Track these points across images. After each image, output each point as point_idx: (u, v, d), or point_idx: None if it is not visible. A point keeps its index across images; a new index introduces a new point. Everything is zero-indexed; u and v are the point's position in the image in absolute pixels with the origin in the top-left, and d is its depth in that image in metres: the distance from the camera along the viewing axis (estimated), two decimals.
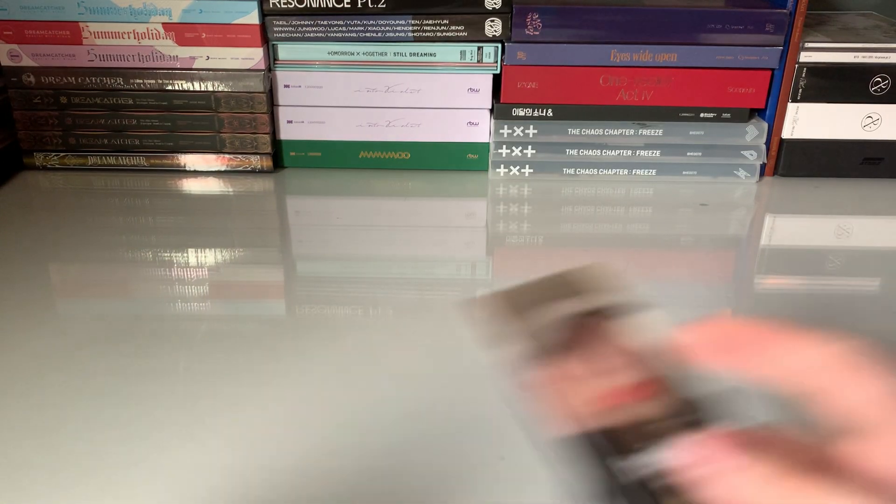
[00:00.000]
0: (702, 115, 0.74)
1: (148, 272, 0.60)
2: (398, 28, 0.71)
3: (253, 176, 0.76)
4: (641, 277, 0.60)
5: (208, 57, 0.72)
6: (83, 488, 0.40)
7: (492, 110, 0.75)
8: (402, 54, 0.72)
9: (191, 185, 0.74)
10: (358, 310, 0.55)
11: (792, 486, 0.21)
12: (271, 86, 0.74)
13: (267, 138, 0.75)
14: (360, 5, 0.70)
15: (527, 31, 0.71)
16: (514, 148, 0.75)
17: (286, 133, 0.76)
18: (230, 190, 0.74)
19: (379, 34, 0.71)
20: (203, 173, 0.76)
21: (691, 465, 0.23)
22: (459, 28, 0.71)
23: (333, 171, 0.77)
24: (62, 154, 0.75)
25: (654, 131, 0.74)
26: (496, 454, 0.42)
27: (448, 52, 0.72)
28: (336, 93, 0.74)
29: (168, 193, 0.73)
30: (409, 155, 0.76)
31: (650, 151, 0.75)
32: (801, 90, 0.73)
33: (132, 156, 0.75)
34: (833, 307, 0.57)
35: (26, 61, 0.72)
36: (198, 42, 0.71)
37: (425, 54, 0.72)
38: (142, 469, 0.41)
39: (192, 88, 0.73)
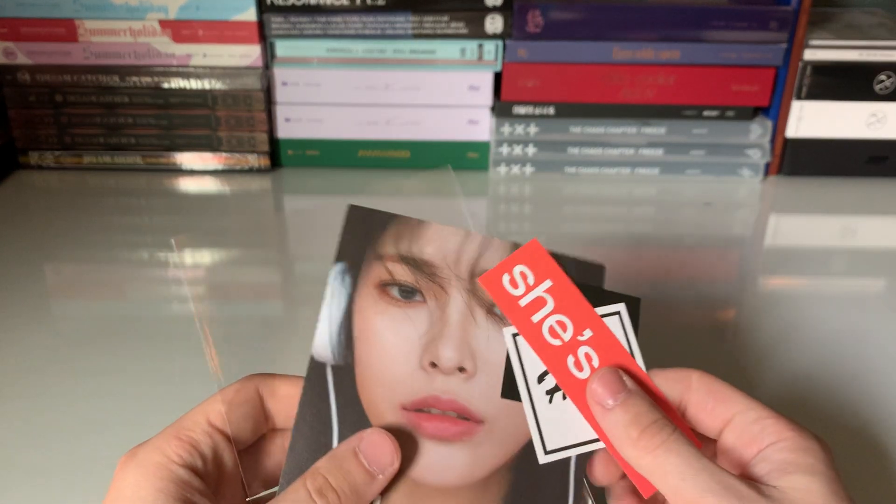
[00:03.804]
0: (705, 113, 0.74)
1: (144, 272, 0.60)
2: (397, 25, 0.70)
3: (250, 175, 0.75)
4: (645, 277, 0.60)
5: (205, 54, 0.71)
6: (79, 489, 0.40)
7: (492, 108, 0.74)
8: (401, 51, 0.72)
9: (187, 185, 0.74)
10: None
11: None
12: (269, 83, 0.73)
13: (264, 137, 0.74)
14: (358, 2, 0.69)
15: (528, 28, 0.70)
16: (514, 146, 0.74)
17: (284, 131, 0.75)
18: (227, 189, 0.73)
19: (378, 31, 0.71)
20: (200, 172, 0.75)
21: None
22: (459, 25, 0.70)
23: (332, 169, 0.76)
24: (58, 153, 0.74)
25: (656, 129, 0.74)
26: None
27: (448, 50, 0.72)
28: (334, 90, 0.73)
29: (164, 193, 0.72)
30: (409, 153, 0.75)
31: (653, 150, 0.74)
32: (805, 88, 0.72)
33: (128, 154, 0.74)
34: (837, 307, 0.56)
35: (22, 59, 0.72)
36: (194, 39, 0.71)
37: (425, 51, 0.72)
38: None
39: (188, 86, 0.72)
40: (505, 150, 0.74)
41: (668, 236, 0.67)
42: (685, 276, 0.60)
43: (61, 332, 0.52)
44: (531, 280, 0.32)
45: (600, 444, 0.31)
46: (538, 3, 0.69)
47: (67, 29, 0.70)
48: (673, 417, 0.30)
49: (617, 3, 0.70)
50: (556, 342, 0.32)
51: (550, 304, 0.32)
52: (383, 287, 0.32)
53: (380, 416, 0.31)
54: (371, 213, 0.34)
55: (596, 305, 0.32)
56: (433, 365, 0.32)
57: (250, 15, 0.70)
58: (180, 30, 0.70)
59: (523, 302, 0.32)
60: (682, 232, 0.67)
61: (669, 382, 0.31)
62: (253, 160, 0.74)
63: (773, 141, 0.74)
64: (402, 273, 0.32)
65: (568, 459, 0.31)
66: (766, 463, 0.28)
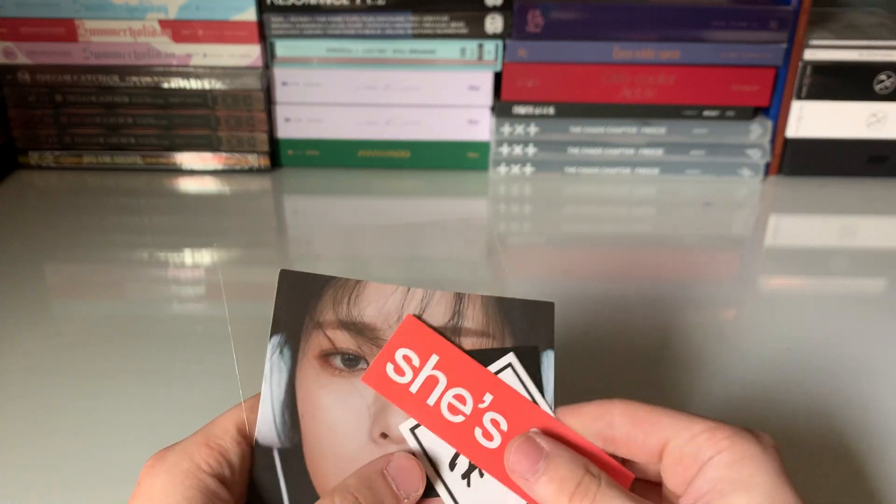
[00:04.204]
0: (705, 113, 0.74)
1: (144, 272, 0.60)
2: (397, 24, 0.70)
3: (250, 175, 0.75)
4: (645, 277, 0.60)
5: (205, 54, 0.71)
6: (78, 490, 0.40)
7: (492, 108, 0.74)
8: (401, 51, 0.72)
9: (187, 185, 0.74)
10: None
11: None
12: (269, 83, 0.73)
13: (264, 137, 0.74)
14: (358, 2, 0.69)
15: (528, 28, 0.70)
16: (514, 146, 0.74)
17: (284, 131, 0.75)
18: (227, 189, 0.73)
19: (378, 31, 0.70)
20: (199, 172, 0.75)
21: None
22: (459, 25, 0.70)
23: (332, 169, 0.76)
24: (58, 153, 0.74)
25: (656, 129, 0.74)
26: None
27: (448, 49, 0.72)
28: (334, 90, 0.73)
29: (164, 193, 0.72)
30: (409, 153, 0.75)
31: (653, 150, 0.74)
32: (805, 88, 0.72)
33: (128, 154, 0.74)
34: (838, 308, 0.56)
35: (21, 59, 0.72)
36: (194, 39, 0.71)
37: (425, 51, 0.72)
38: (137, 471, 0.40)
39: (188, 86, 0.72)
40: (505, 150, 0.74)
41: (668, 236, 0.67)
42: (685, 276, 0.60)
43: (61, 332, 0.52)
44: (416, 361, 0.30)
45: None
46: (538, 3, 0.69)
47: (67, 29, 0.70)
48: (592, 456, 0.30)
49: (617, 3, 0.70)
50: (459, 419, 0.30)
51: (443, 381, 0.30)
52: (325, 357, 0.30)
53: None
54: (305, 277, 0.31)
55: (487, 364, 0.31)
56: (384, 436, 0.30)
57: (250, 15, 0.70)
58: (180, 30, 0.70)
59: (414, 388, 0.30)
60: (682, 232, 0.67)
61: (587, 420, 0.30)
62: (253, 160, 0.74)
63: (773, 141, 0.74)
64: (344, 340, 0.31)
65: None
66: (705, 482, 0.28)
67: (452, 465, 0.30)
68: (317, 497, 0.29)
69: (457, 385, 0.30)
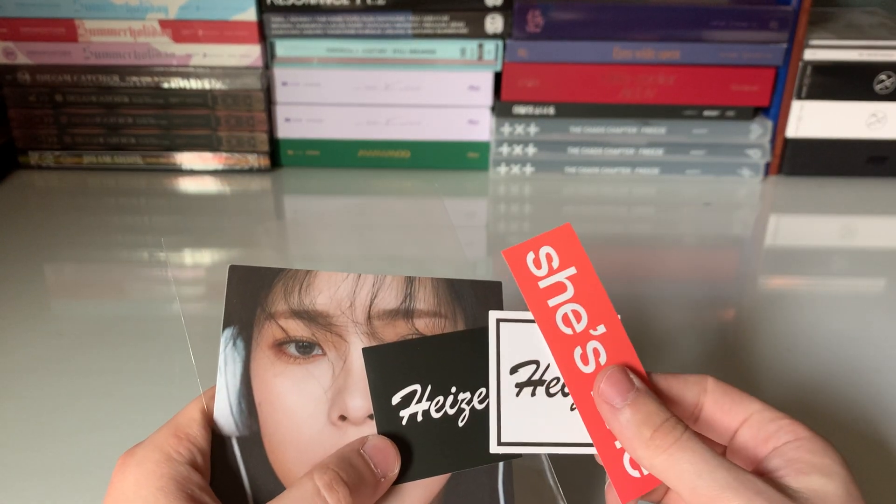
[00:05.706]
0: (705, 113, 0.74)
1: (144, 272, 0.60)
2: (397, 24, 0.70)
3: (250, 175, 0.75)
4: (645, 277, 0.60)
5: (205, 54, 0.71)
6: (79, 489, 0.40)
7: (492, 108, 0.74)
8: (401, 51, 0.72)
9: (187, 185, 0.74)
10: None
11: None
12: (269, 83, 0.73)
13: (264, 137, 0.74)
14: (358, 2, 0.69)
15: (528, 28, 0.70)
16: (514, 146, 0.74)
17: (284, 131, 0.75)
18: (227, 189, 0.73)
19: (378, 31, 0.71)
20: (200, 172, 0.75)
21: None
22: (459, 25, 0.70)
23: (332, 170, 0.76)
24: (58, 153, 0.74)
25: (656, 129, 0.74)
26: None
27: (448, 49, 0.72)
28: (334, 90, 0.73)
29: (164, 193, 0.72)
30: (409, 153, 0.75)
31: (653, 150, 0.74)
32: (805, 88, 0.72)
33: (128, 154, 0.74)
34: (838, 308, 0.56)
35: (22, 59, 0.72)
36: (194, 39, 0.71)
37: (425, 51, 0.72)
38: None
39: (188, 86, 0.72)
40: (505, 150, 0.74)
41: (668, 236, 0.67)
42: (685, 276, 0.60)
43: (61, 332, 0.52)
44: (556, 263, 0.32)
45: (585, 449, 0.31)
46: (538, 3, 0.69)
47: (67, 29, 0.70)
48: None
49: (617, 3, 0.70)
50: (568, 331, 0.31)
51: (570, 292, 0.32)
52: (279, 346, 0.31)
53: (295, 480, 0.30)
54: (254, 270, 0.32)
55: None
56: (343, 418, 0.31)
57: (250, 15, 0.70)
58: (180, 30, 0.70)
59: (543, 284, 0.32)
60: (681, 232, 0.67)
61: (688, 384, 0.31)
62: (253, 160, 0.74)
63: (773, 141, 0.74)
64: (297, 328, 0.31)
65: (495, 477, 0.31)
66: (780, 459, 0.29)
67: (513, 371, 0.31)
68: (278, 482, 0.30)
69: (579, 302, 0.32)
